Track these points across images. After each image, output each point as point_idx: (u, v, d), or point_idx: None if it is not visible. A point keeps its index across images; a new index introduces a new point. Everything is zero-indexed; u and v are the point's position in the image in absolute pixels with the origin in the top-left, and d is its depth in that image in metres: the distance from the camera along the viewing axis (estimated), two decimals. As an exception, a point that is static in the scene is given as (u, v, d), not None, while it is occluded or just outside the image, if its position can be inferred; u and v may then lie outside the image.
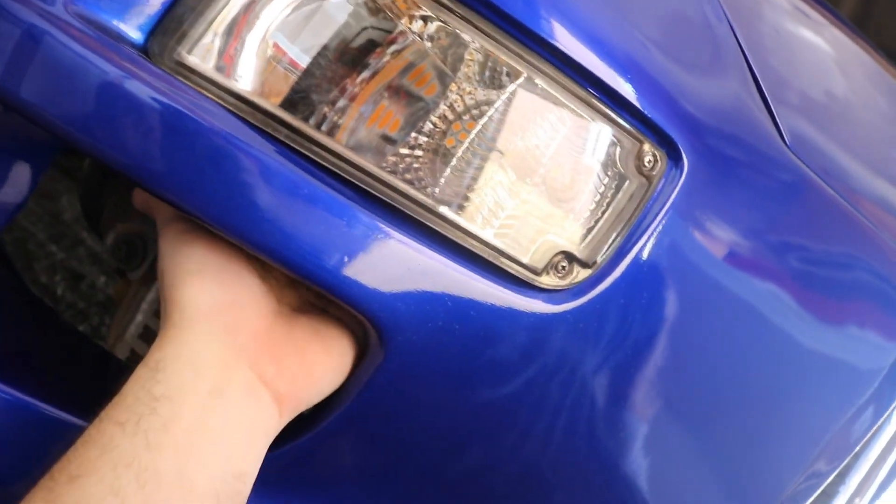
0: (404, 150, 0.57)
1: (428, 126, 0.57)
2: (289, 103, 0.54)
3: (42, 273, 1.48)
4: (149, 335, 0.78)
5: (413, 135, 0.57)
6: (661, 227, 0.62)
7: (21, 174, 0.65)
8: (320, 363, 0.58)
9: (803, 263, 0.71)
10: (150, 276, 0.78)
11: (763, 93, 0.71)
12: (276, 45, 0.53)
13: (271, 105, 0.54)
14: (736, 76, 0.68)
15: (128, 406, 0.51)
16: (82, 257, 1.55)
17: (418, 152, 0.58)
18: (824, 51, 0.89)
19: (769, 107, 0.70)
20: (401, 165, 0.57)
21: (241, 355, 0.55)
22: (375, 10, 0.56)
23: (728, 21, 0.71)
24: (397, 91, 0.57)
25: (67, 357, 0.74)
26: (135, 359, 0.79)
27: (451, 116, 0.58)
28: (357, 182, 0.55)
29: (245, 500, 0.54)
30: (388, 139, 0.57)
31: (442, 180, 0.57)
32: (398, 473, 0.65)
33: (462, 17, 0.57)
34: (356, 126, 0.56)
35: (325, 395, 0.59)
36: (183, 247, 0.57)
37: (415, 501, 0.66)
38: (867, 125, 0.92)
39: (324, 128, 0.55)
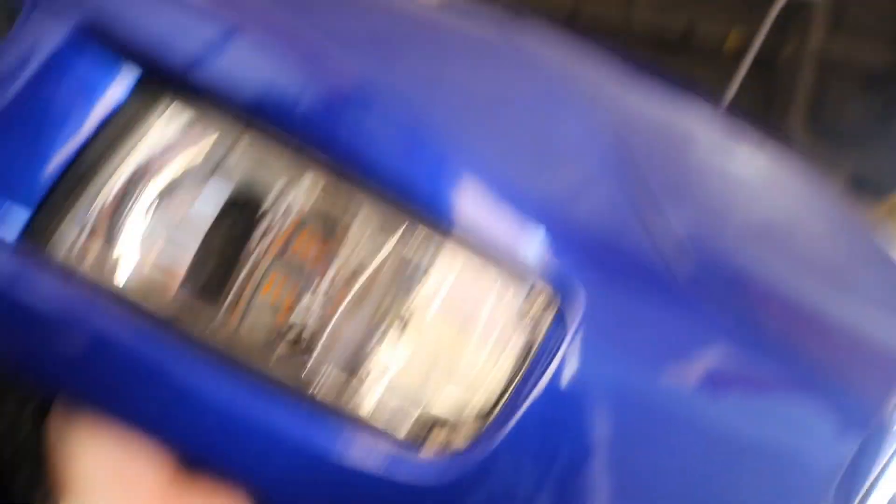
0: (301, 306, 0.57)
1: (323, 285, 0.57)
2: (179, 298, 0.54)
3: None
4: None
5: (308, 296, 0.57)
6: (552, 377, 0.61)
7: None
8: None
9: (716, 404, 0.70)
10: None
11: (653, 236, 0.71)
12: (151, 260, 0.54)
13: (152, 305, 0.54)
14: (626, 219, 0.69)
15: None
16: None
17: (315, 307, 0.58)
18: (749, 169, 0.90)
19: (658, 248, 0.69)
20: (288, 333, 0.57)
21: None
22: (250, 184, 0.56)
23: (627, 157, 0.71)
24: (284, 262, 0.57)
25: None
26: None
27: (348, 271, 0.59)
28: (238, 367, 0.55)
29: None
30: (279, 306, 0.57)
31: (316, 354, 0.56)
32: None
33: (341, 180, 0.57)
34: (249, 308, 0.56)
35: None
36: (69, 422, 0.56)
37: None
38: (806, 243, 0.93)
39: (216, 323, 0.55)
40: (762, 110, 2.18)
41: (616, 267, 0.66)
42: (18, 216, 0.53)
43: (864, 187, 2.07)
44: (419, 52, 0.68)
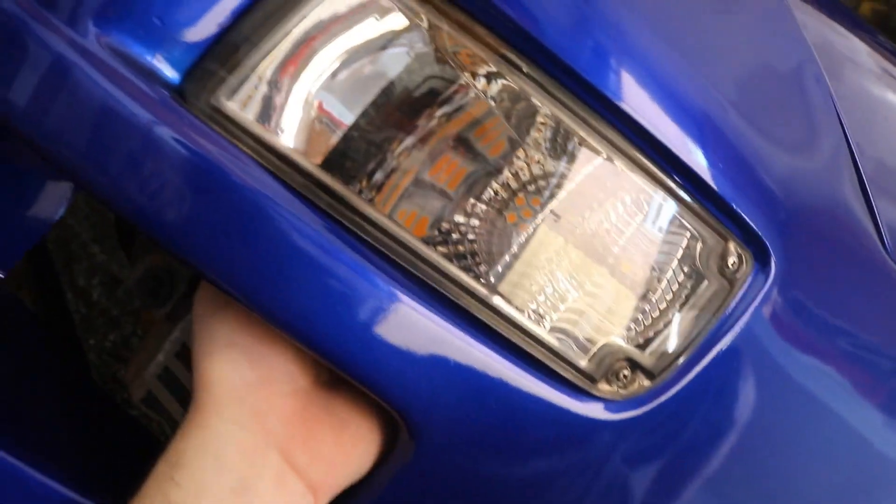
0: (460, 218, 0.51)
1: (489, 193, 0.51)
2: (333, 165, 0.48)
3: (80, 275, 1.45)
4: (168, 377, 0.73)
5: (471, 201, 0.51)
6: (738, 339, 0.54)
7: (58, 188, 0.61)
8: (356, 445, 0.53)
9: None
10: (175, 314, 0.73)
11: (865, 186, 0.63)
12: (320, 106, 0.47)
13: (313, 166, 0.47)
14: (837, 165, 0.61)
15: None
16: (123, 261, 1.52)
17: (475, 221, 0.51)
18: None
19: (871, 204, 0.62)
20: (454, 236, 0.50)
21: (271, 441, 0.50)
22: (439, 61, 0.50)
23: (831, 97, 0.63)
24: (460, 144, 0.50)
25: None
26: (150, 400, 0.74)
27: (514, 185, 0.52)
28: (401, 261, 0.49)
29: None
30: (445, 196, 0.50)
31: (499, 265, 0.50)
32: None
33: (532, 79, 0.50)
34: (408, 185, 0.49)
35: (359, 476, 0.54)
36: (215, 315, 0.52)
37: None
38: None
39: (369, 194, 0.48)
40: None
41: (816, 222, 0.58)
42: (182, 60, 0.47)
43: None
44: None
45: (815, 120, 0.60)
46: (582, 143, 0.51)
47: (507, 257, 0.51)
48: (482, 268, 0.51)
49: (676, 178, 0.52)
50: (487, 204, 0.51)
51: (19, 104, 0.48)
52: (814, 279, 0.58)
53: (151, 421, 0.73)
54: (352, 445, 0.53)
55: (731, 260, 0.54)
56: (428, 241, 0.50)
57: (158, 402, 0.73)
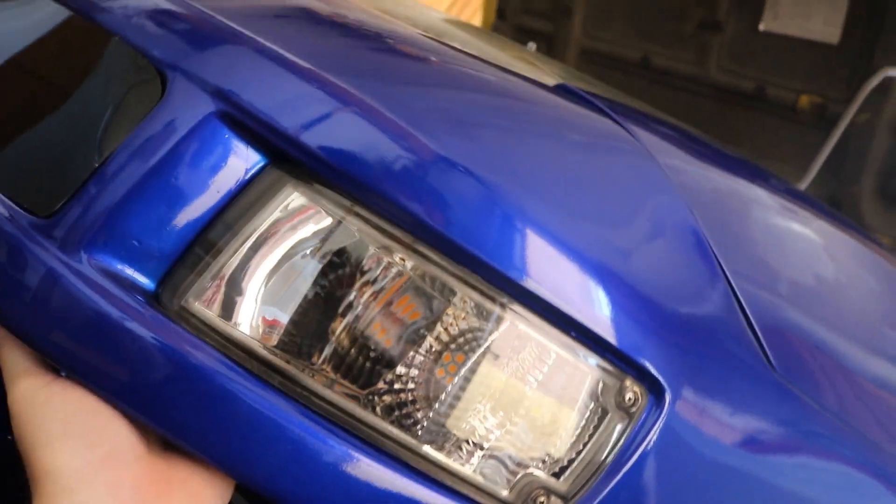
0: (401, 370, 0.61)
1: (425, 345, 0.61)
2: (284, 348, 0.59)
3: None
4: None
5: (410, 353, 0.61)
6: (640, 461, 0.63)
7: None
8: (207, 486, 0.58)
9: (797, 484, 0.72)
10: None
11: (746, 313, 0.73)
12: (263, 318, 0.58)
13: (267, 352, 0.58)
14: (720, 304, 0.71)
15: None
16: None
17: (414, 372, 0.61)
18: (824, 253, 0.92)
19: (755, 332, 0.72)
20: (387, 397, 0.60)
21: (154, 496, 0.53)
22: (364, 252, 0.60)
23: (709, 245, 0.74)
24: (389, 316, 0.61)
25: None
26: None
27: (445, 339, 0.62)
28: (346, 423, 0.59)
29: None
30: (385, 354, 0.60)
31: (430, 414, 0.60)
32: None
33: (441, 266, 0.60)
34: (349, 360, 0.60)
35: None
36: (41, 406, 0.54)
37: None
38: (881, 324, 0.94)
39: (315, 369, 0.59)
40: (834, 172, 2.18)
41: (704, 351, 0.68)
42: (156, 271, 0.58)
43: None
44: (501, 129, 0.72)
45: (696, 264, 0.71)
46: (494, 310, 0.61)
47: (437, 405, 0.61)
48: (419, 414, 0.61)
49: (574, 335, 0.62)
50: (424, 356, 0.61)
51: (20, 305, 0.59)
52: (707, 404, 0.67)
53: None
54: (203, 489, 0.57)
55: (628, 396, 0.64)
56: (372, 394, 0.60)
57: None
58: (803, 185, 1.98)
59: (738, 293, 0.73)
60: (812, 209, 0.98)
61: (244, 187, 0.60)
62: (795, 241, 0.89)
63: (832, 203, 2.22)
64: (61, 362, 0.58)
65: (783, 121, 2.30)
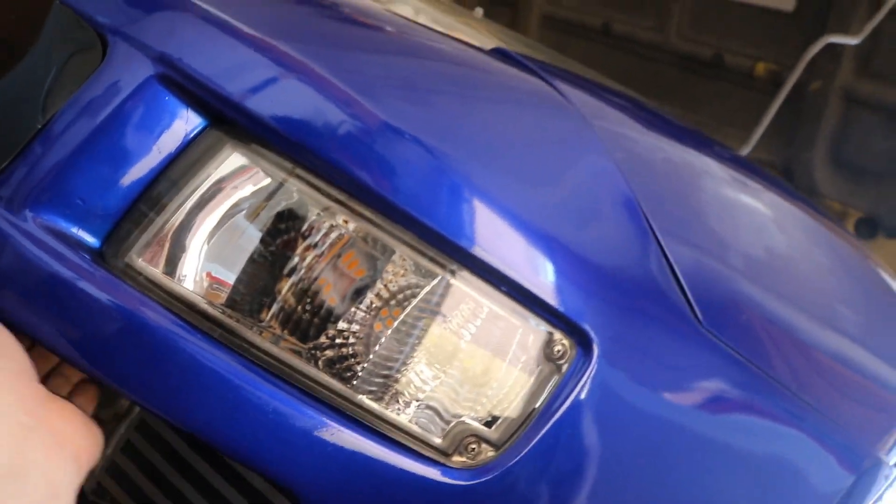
0: (342, 325, 0.64)
1: (366, 301, 0.64)
2: (227, 304, 0.61)
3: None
4: (115, 469, 0.84)
5: (352, 309, 0.64)
6: (568, 411, 0.67)
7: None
8: (92, 426, 0.61)
9: (722, 435, 0.76)
10: (120, 414, 0.85)
11: (675, 271, 0.77)
12: (208, 274, 0.61)
13: (210, 307, 0.61)
14: (647, 259, 0.74)
15: None
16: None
17: (355, 327, 0.64)
18: (757, 214, 0.95)
19: (682, 286, 0.75)
20: (338, 340, 0.63)
21: (36, 421, 0.55)
22: (306, 211, 0.63)
23: (637, 203, 0.77)
24: (332, 271, 0.63)
25: None
26: (100, 491, 0.85)
27: (385, 295, 0.65)
28: (284, 374, 0.62)
29: None
30: (328, 311, 0.63)
31: (365, 366, 0.63)
32: None
33: (381, 227, 0.63)
34: (293, 316, 0.62)
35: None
36: None
37: None
38: (809, 281, 0.98)
39: (257, 322, 0.61)
40: (788, 139, 2.23)
41: (631, 305, 0.72)
42: (101, 229, 0.61)
43: (878, 226, 2.10)
44: (446, 96, 0.74)
45: (624, 223, 0.74)
46: (430, 268, 0.64)
47: (373, 357, 0.64)
48: (358, 367, 0.64)
49: (506, 291, 0.65)
50: (364, 312, 0.64)
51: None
52: (635, 355, 0.71)
53: (101, 508, 0.84)
54: (90, 425, 0.60)
55: (557, 348, 0.67)
56: (315, 349, 0.63)
57: (107, 492, 0.84)
58: (745, 151, 2.02)
59: (667, 251, 0.76)
60: (750, 174, 1.02)
61: (185, 148, 0.62)
62: (731, 204, 0.93)
63: (786, 170, 2.27)
64: (8, 320, 0.60)
65: (740, 88, 2.34)
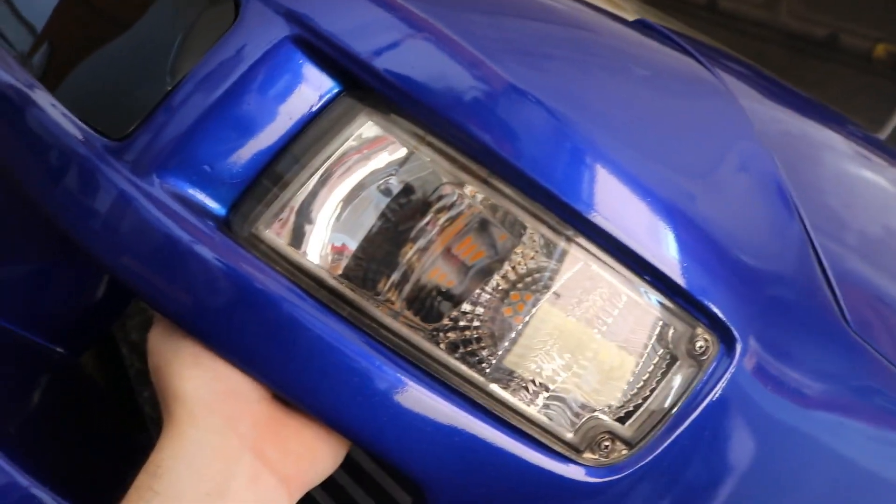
0: (466, 307, 0.60)
1: (492, 283, 0.60)
2: (351, 278, 0.58)
3: (133, 330, 1.56)
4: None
5: (476, 291, 0.60)
6: (706, 411, 0.62)
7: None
8: (321, 441, 0.59)
9: (860, 452, 0.70)
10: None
11: (824, 267, 0.71)
12: (333, 246, 0.57)
13: (335, 281, 0.57)
14: (796, 254, 0.69)
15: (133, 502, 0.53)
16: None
17: (479, 310, 0.60)
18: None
19: (831, 286, 0.70)
20: (461, 323, 0.59)
21: (244, 444, 0.56)
22: (435, 183, 0.59)
23: (789, 194, 0.71)
24: (459, 249, 0.60)
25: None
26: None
27: (512, 277, 0.61)
28: (412, 356, 0.58)
29: None
30: (448, 297, 0.60)
31: (496, 352, 0.59)
32: None
33: (512, 199, 0.59)
34: (414, 293, 0.59)
35: (329, 472, 0.61)
36: (174, 342, 0.58)
37: None
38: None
39: (382, 300, 0.58)
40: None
41: (778, 302, 0.66)
42: (227, 196, 0.58)
43: None
44: (577, 63, 0.70)
45: (774, 213, 0.68)
46: (564, 248, 0.60)
47: (505, 344, 0.60)
48: (485, 352, 0.60)
49: (647, 278, 0.61)
50: (491, 294, 0.60)
51: (93, 226, 0.59)
52: (779, 356, 0.66)
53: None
54: (317, 442, 0.59)
55: (699, 344, 0.62)
56: (438, 330, 0.60)
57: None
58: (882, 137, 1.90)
59: (816, 245, 0.70)
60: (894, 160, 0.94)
61: (317, 115, 0.59)
62: (882, 197, 0.86)
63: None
64: (131, 284, 0.58)
65: (857, 71, 2.21)
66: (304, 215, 0.58)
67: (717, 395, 0.63)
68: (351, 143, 0.58)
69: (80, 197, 0.60)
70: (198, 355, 0.57)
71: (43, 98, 0.65)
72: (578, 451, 0.61)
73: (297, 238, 0.58)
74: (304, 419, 0.59)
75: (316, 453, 0.59)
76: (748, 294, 0.64)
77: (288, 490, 0.57)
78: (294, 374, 0.57)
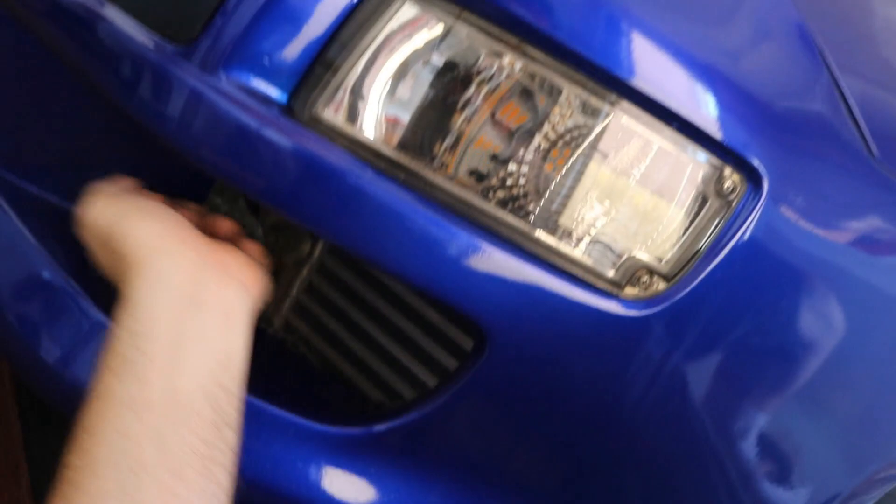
0: (513, 167, 0.67)
1: (534, 143, 0.66)
2: (406, 147, 0.65)
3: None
4: (301, 309, 0.92)
5: (521, 151, 0.66)
6: (737, 248, 0.68)
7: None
8: (252, 266, 0.66)
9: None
10: (302, 259, 0.92)
11: (849, 105, 0.74)
12: (386, 118, 0.64)
13: (391, 151, 0.64)
14: (820, 93, 0.72)
15: (115, 351, 0.56)
16: (243, 209, 1.73)
17: (524, 168, 0.67)
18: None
19: (856, 120, 0.73)
20: (508, 182, 0.66)
21: (205, 258, 0.61)
22: (475, 55, 0.65)
23: (812, 38, 0.74)
24: (504, 113, 0.66)
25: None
26: (289, 329, 0.93)
27: (552, 137, 0.67)
28: (465, 213, 0.65)
29: (238, 377, 0.60)
30: (495, 159, 0.66)
31: (540, 204, 0.66)
32: (508, 457, 0.76)
33: (548, 66, 0.64)
34: (464, 157, 0.66)
35: (264, 298, 0.67)
36: (117, 209, 0.64)
37: (520, 490, 0.77)
38: None
39: (436, 165, 0.65)
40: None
41: (802, 139, 0.71)
42: (287, 84, 0.65)
43: None
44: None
45: (798, 57, 0.72)
46: (596, 106, 0.66)
47: (547, 196, 0.67)
48: (531, 206, 0.67)
49: (676, 127, 0.66)
50: (534, 153, 0.66)
51: (171, 123, 0.66)
52: (805, 192, 0.70)
53: (289, 342, 0.93)
54: (249, 266, 0.65)
55: (727, 184, 0.67)
56: (487, 189, 0.67)
57: (296, 329, 0.92)
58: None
59: (840, 83, 0.74)
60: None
61: (360, 3, 0.64)
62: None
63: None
64: (211, 170, 0.66)
65: None
66: (357, 94, 0.65)
67: (747, 232, 0.68)
68: (392, 24, 0.64)
69: (157, 98, 0.67)
70: (141, 209, 0.63)
71: (112, 12, 0.71)
72: (620, 287, 0.68)
73: (353, 115, 0.65)
74: (232, 246, 0.66)
75: (257, 274, 0.66)
76: (772, 133, 0.69)
77: (249, 294, 0.63)
78: (359, 234, 0.64)
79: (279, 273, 0.96)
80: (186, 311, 0.58)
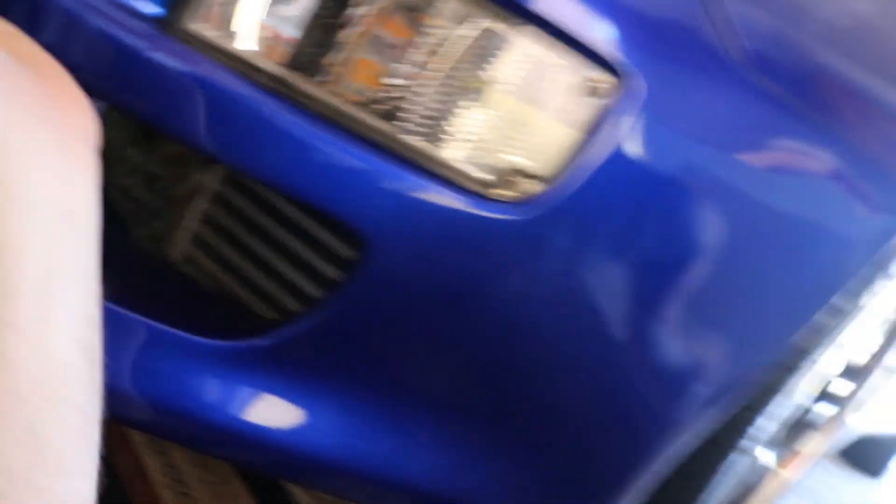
0: (393, 80, 0.68)
1: (413, 56, 0.68)
2: (289, 62, 0.66)
3: (121, 175, 1.64)
4: (200, 241, 0.92)
5: (401, 65, 0.68)
6: (615, 149, 0.71)
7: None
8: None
9: (763, 174, 0.79)
10: (199, 188, 0.92)
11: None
12: (266, 29, 0.65)
13: (271, 65, 0.65)
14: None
15: None
16: (157, 159, 1.71)
17: (404, 81, 0.68)
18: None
19: (713, 23, 0.76)
20: (379, 105, 0.68)
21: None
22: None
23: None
24: (378, 38, 0.67)
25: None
26: (190, 261, 0.93)
27: (428, 49, 0.69)
28: (341, 122, 0.67)
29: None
30: (375, 72, 0.68)
31: (415, 112, 0.68)
32: (401, 367, 0.78)
33: None
34: (345, 71, 0.67)
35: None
36: None
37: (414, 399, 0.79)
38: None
39: (317, 80, 0.66)
40: None
41: (677, 49, 0.74)
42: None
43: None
44: None
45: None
46: (474, 15, 0.67)
47: (426, 105, 0.68)
48: (409, 115, 0.68)
49: (548, 33, 0.68)
50: (411, 66, 0.68)
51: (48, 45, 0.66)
52: (677, 93, 0.73)
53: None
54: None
55: (603, 86, 0.70)
56: (365, 102, 0.68)
57: (196, 262, 0.92)
58: None
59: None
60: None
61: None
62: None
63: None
64: (96, 93, 0.66)
65: None
66: (234, 7, 0.65)
67: (623, 135, 0.71)
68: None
69: (32, 18, 0.66)
70: None
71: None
72: (494, 188, 0.70)
73: (229, 29, 0.65)
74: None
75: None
76: (644, 39, 0.71)
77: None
78: (243, 150, 0.65)
79: (173, 205, 0.95)
80: None
